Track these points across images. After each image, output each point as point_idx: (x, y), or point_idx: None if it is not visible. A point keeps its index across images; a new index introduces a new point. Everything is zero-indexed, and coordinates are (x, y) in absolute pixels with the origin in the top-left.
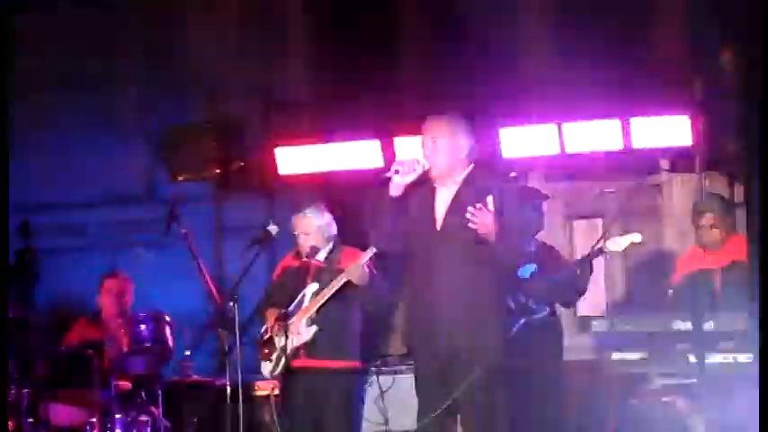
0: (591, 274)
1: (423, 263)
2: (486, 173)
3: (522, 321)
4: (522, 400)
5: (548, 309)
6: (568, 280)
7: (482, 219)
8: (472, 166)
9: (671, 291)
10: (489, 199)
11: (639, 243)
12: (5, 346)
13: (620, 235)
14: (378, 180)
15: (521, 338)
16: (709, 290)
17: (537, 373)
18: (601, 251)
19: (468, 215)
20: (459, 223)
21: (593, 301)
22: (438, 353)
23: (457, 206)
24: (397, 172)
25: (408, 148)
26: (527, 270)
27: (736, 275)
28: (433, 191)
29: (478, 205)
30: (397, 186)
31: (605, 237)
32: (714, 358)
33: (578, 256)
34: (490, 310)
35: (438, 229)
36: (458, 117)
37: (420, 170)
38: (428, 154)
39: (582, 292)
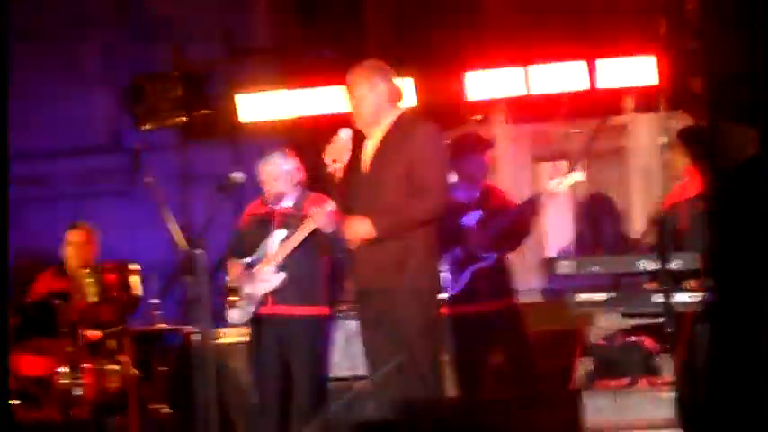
0: (534, 215)
1: (357, 208)
2: (414, 117)
3: (471, 269)
4: (477, 344)
5: (495, 255)
6: (512, 224)
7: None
8: (401, 111)
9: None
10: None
11: (582, 181)
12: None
13: (563, 175)
14: (326, 175)
15: (470, 286)
16: (673, 227)
17: (492, 319)
18: (542, 192)
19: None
20: (381, 168)
21: (559, 243)
22: (372, 296)
23: (380, 153)
24: (334, 161)
25: None
26: (472, 218)
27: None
28: (363, 139)
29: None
30: (340, 170)
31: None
32: (681, 297)
33: None
34: (412, 255)
35: (365, 174)
36: (374, 66)
37: (348, 142)
38: (353, 107)
39: (524, 235)
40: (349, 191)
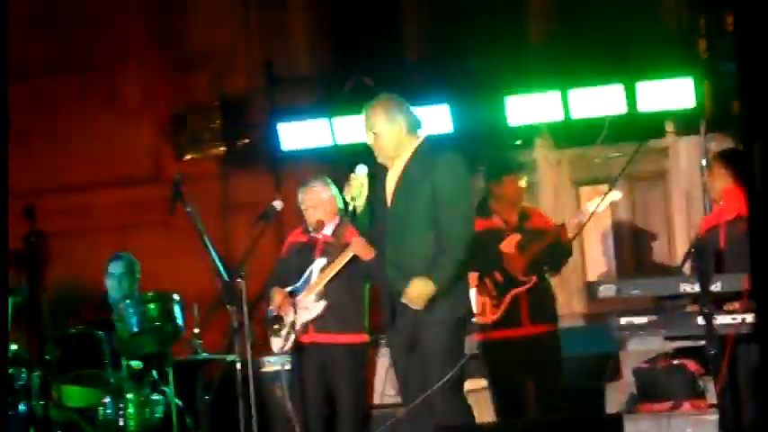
0: (573, 237)
1: (384, 242)
2: (434, 145)
3: (512, 293)
4: (518, 369)
5: (535, 278)
6: (552, 246)
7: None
8: (420, 140)
9: (692, 249)
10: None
11: (618, 200)
12: (6, 340)
13: (601, 196)
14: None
15: (511, 310)
16: (713, 249)
17: (531, 344)
18: (581, 213)
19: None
20: (404, 201)
21: (601, 267)
22: (400, 328)
23: (402, 183)
24: (353, 199)
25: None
26: (511, 241)
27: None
28: (385, 171)
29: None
30: (359, 207)
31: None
32: (722, 319)
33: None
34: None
35: (388, 208)
36: (388, 100)
37: (365, 178)
38: (372, 143)
39: (564, 258)
40: (378, 226)
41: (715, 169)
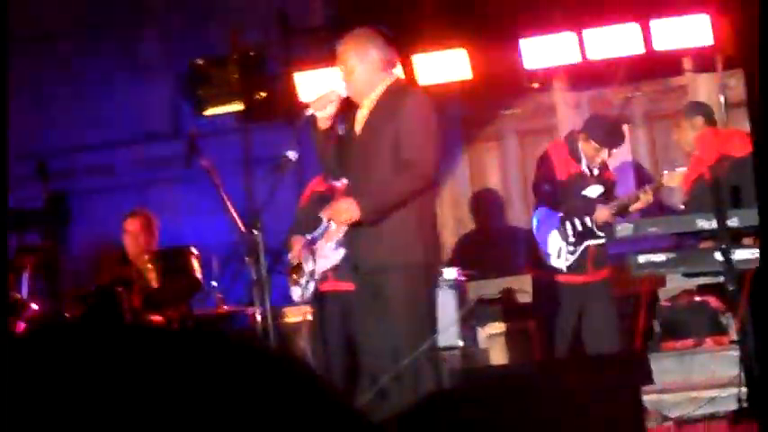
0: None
1: (348, 178)
2: (406, 86)
3: (588, 243)
4: (577, 312)
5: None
6: (628, 204)
7: (339, 218)
8: (393, 78)
9: (682, 206)
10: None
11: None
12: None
13: (674, 169)
14: (302, 120)
15: (583, 258)
16: (716, 190)
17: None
18: (661, 186)
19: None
20: (370, 138)
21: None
22: (364, 274)
23: (370, 121)
24: (316, 109)
25: (428, 64)
26: (595, 191)
27: (729, 170)
28: (354, 109)
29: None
30: (323, 120)
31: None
32: (740, 254)
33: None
34: (409, 227)
35: (355, 143)
36: (365, 33)
37: (337, 98)
38: (344, 77)
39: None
40: (341, 159)
41: (684, 122)
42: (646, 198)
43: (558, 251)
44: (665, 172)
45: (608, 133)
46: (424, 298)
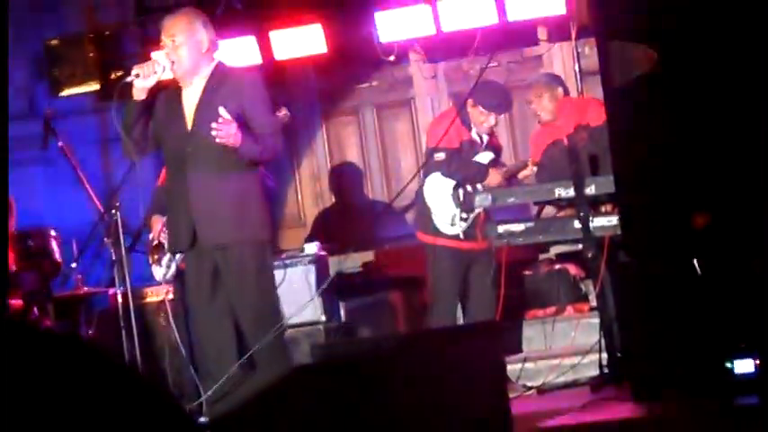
0: None
1: (179, 164)
2: (230, 68)
3: (477, 212)
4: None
5: None
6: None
7: (227, 130)
8: (217, 62)
9: (534, 168)
10: (222, 110)
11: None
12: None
13: None
14: (119, 83)
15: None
16: (573, 159)
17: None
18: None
19: (213, 126)
20: (209, 122)
21: None
22: (203, 254)
23: (205, 104)
24: (137, 76)
25: (284, 40)
26: (485, 157)
27: (588, 139)
28: (179, 91)
29: (220, 119)
30: (140, 90)
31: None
32: (598, 222)
33: None
34: (252, 204)
35: (188, 129)
36: (194, 13)
37: (161, 71)
38: (169, 53)
39: None
40: (166, 140)
41: (542, 91)
42: (532, 165)
43: (452, 218)
44: None
45: (495, 99)
46: (270, 273)
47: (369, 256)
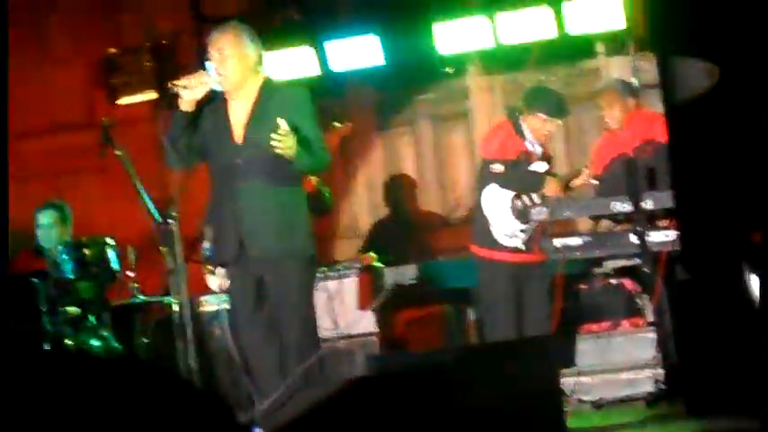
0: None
1: (227, 177)
2: (278, 83)
3: (536, 222)
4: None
5: None
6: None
7: (286, 142)
8: (265, 76)
9: (597, 183)
10: (282, 122)
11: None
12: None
13: None
14: (167, 95)
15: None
16: (633, 171)
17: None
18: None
19: (273, 138)
20: (261, 136)
21: None
22: (249, 269)
23: (256, 118)
24: (185, 87)
25: (342, 51)
26: (542, 166)
27: (653, 154)
28: (225, 104)
29: (280, 130)
30: (187, 102)
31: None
32: (655, 237)
33: None
34: (299, 219)
35: (239, 142)
36: (242, 27)
37: (209, 84)
38: (217, 66)
39: None
40: (216, 156)
41: (613, 100)
42: (586, 173)
43: (512, 230)
44: None
45: (555, 104)
46: (311, 288)
47: (423, 267)
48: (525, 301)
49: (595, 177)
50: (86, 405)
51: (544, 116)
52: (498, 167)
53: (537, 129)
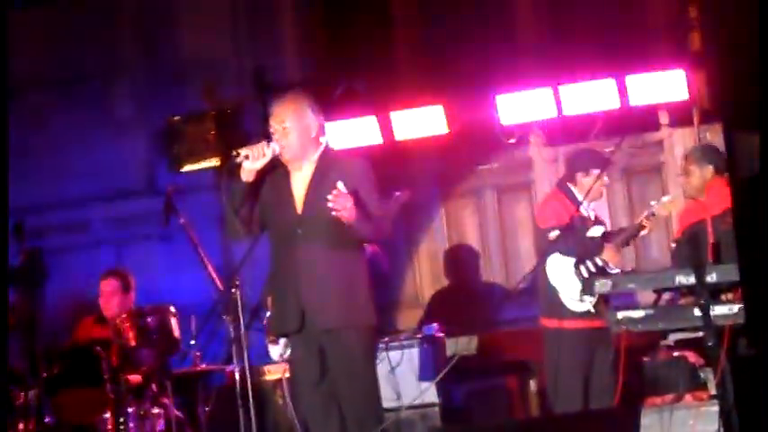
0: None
1: (288, 247)
2: (338, 153)
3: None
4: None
5: (620, 270)
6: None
7: (343, 203)
8: (325, 145)
9: (673, 245)
10: (340, 184)
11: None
12: (5, 346)
13: (659, 200)
14: (229, 164)
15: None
16: (705, 241)
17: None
18: (653, 216)
19: (329, 199)
20: (320, 205)
21: None
22: (311, 337)
23: (315, 187)
24: (247, 157)
25: (405, 121)
26: (598, 230)
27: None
28: (287, 174)
29: (335, 191)
30: (248, 172)
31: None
32: (719, 310)
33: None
34: (361, 288)
35: (299, 212)
36: (302, 97)
37: (270, 154)
38: (278, 138)
39: None
40: (278, 227)
41: (691, 166)
42: (648, 226)
43: (580, 294)
44: (654, 203)
45: (595, 157)
46: (373, 358)
47: (485, 338)
48: (592, 372)
49: (675, 241)
50: None
51: (595, 170)
52: (554, 233)
53: (593, 186)
